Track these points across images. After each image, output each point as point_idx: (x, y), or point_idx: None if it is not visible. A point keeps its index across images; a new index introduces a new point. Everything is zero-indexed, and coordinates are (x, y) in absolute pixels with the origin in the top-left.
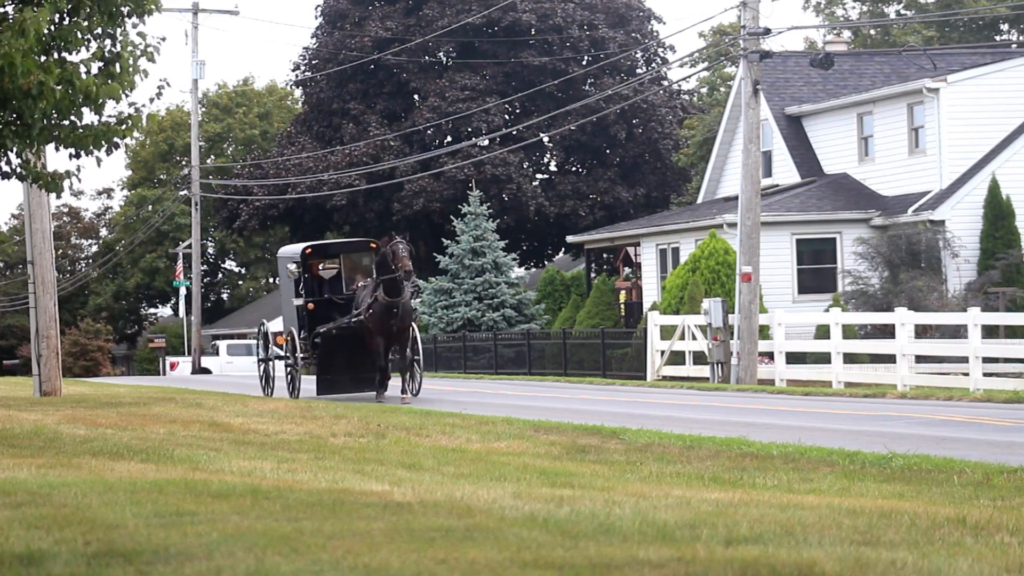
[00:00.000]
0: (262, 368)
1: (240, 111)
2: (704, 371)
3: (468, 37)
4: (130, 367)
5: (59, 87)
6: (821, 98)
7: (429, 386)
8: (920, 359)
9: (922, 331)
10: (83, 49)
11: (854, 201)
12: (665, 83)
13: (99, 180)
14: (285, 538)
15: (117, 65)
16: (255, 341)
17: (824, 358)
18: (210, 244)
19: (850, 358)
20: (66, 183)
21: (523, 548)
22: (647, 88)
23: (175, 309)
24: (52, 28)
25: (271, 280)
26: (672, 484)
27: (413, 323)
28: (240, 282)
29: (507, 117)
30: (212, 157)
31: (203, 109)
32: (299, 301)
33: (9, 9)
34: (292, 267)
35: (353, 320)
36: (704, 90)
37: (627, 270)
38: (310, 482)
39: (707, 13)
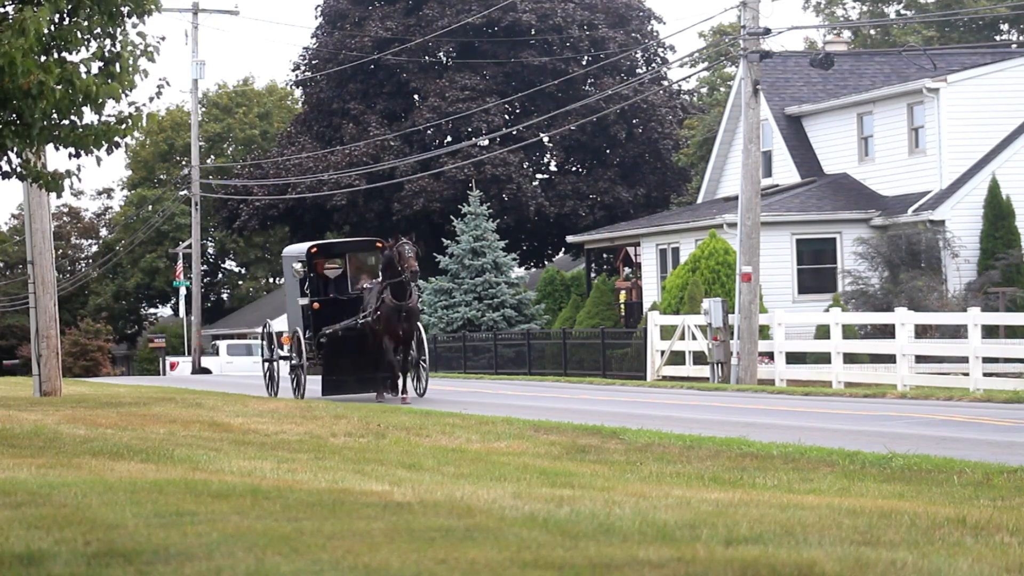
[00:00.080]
0: (267, 368)
1: (240, 111)
2: (704, 371)
3: (468, 37)
4: (130, 367)
5: (59, 87)
6: (821, 98)
7: (430, 386)
8: (920, 359)
9: (922, 331)
10: (83, 49)
11: (854, 201)
12: (665, 83)
13: (99, 180)
14: (285, 538)
15: (117, 65)
16: (257, 341)
17: (824, 358)
18: (210, 244)
19: (850, 358)
20: (66, 183)
21: (523, 548)
22: (647, 88)
23: (175, 309)
24: (52, 28)
25: (271, 280)
26: (672, 484)
27: (419, 325)
28: (240, 282)
29: (507, 117)
30: (212, 157)
31: (203, 109)
32: (304, 301)
33: (9, 9)
34: (297, 266)
35: (360, 322)
36: (704, 90)
37: (627, 270)
38: (310, 482)
39: (707, 13)
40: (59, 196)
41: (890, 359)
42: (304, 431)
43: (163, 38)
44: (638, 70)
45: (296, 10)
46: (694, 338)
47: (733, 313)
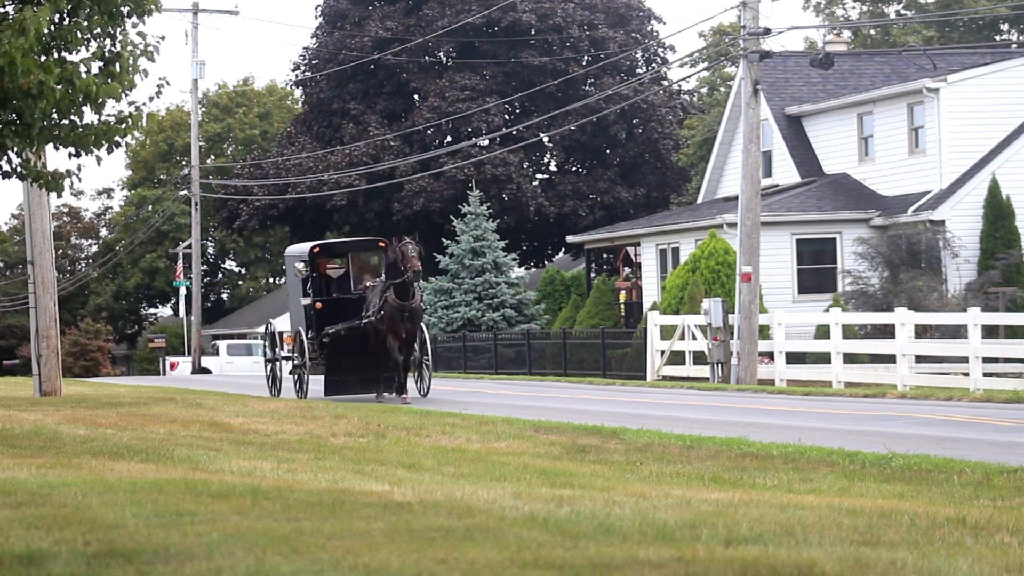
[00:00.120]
0: (269, 368)
1: (240, 111)
2: (704, 371)
3: (468, 37)
4: (130, 367)
5: (59, 87)
6: (821, 98)
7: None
8: (920, 359)
9: (922, 331)
10: (83, 49)
11: (854, 201)
12: (665, 83)
13: (99, 180)
14: (285, 538)
15: (117, 64)
16: (257, 341)
17: (824, 358)
18: (210, 244)
19: (850, 358)
20: (66, 182)
21: (523, 548)
22: (647, 88)
23: (175, 309)
24: (52, 28)
25: (271, 280)
26: (672, 484)
27: (423, 325)
28: (240, 282)
29: (507, 117)
30: (212, 157)
31: (203, 109)
32: (307, 300)
33: (9, 8)
34: (300, 266)
35: (363, 322)
36: (704, 90)
37: (627, 270)
38: (310, 482)
39: (707, 13)
40: (59, 196)
41: (890, 359)
42: (304, 431)
43: (163, 38)
44: (638, 70)
45: (296, 10)
46: (694, 338)
47: (733, 313)
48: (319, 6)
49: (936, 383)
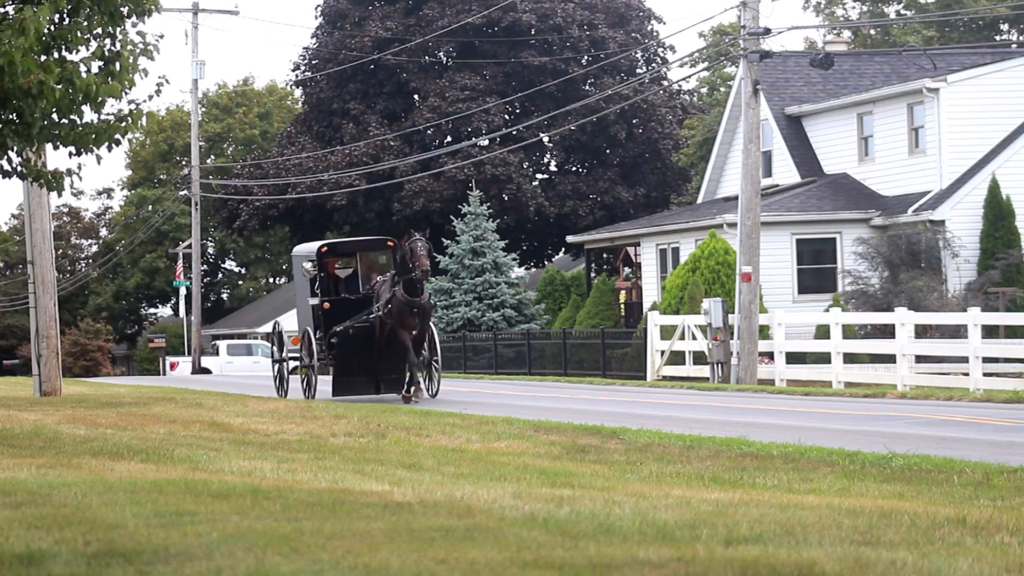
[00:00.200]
0: (277, 369)
1: (240, 111)
2: (704, 371)
3: (468, 37)
4: (130, 367)
5: (59, 86)
6: (821, 98)
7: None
8: (920, 359)
9: (922, 331)
10: (83, 48)
11: (854, 201)
12: (665, 83)
13: (99, 180)
14: (285, 538)
15: (117, 64)
16: (257, 341)
17: (824, 358)
18: (210, 244)
19: (850, 358)
20: (67, 181)
21: (523, 548)
22: (647, 88)
23: (175, 309)
24: (52, 27)
25: (271, 280)
26: (672, 484)
27: (431, 324)
28: (240, 282)
29: (507, 117)
30: (212, 157)
31: (203, 109)
32: (315, 300)
33: (9, 8)
34: (308, 266)
35: (371, 316)
36: (704, 90)
37: (627, 270)
38: (310, 482)
39: (707, 13)
40: (59, 195)
41: (890, 359)
42: (304, 431)
43: (162, 36)
44: (638, 70)
45: (296, 10)
46: (694, 338)
47: (733, 313)
48: (319, 6)
49: (936, 383)
